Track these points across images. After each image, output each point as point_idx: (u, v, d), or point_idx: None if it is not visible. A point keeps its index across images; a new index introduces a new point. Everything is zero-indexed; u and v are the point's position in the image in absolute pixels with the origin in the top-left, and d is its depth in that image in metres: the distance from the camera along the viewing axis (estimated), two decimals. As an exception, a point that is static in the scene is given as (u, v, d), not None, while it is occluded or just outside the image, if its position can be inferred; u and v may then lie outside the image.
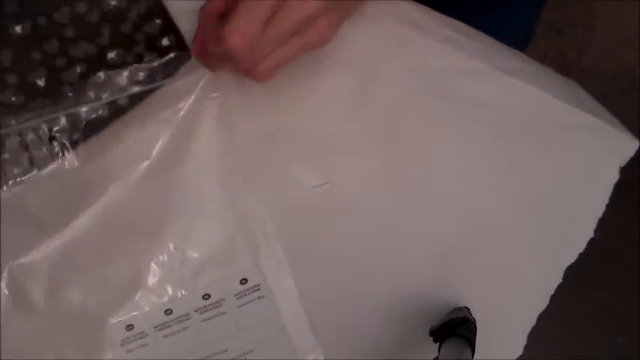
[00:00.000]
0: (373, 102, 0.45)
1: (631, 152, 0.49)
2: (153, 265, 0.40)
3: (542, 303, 0.51)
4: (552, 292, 0.50)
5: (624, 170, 0.49)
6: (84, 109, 0.39)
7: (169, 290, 0.40)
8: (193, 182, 0.41)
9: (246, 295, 0.41)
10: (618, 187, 0.49)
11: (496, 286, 0.50)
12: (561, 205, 0.49)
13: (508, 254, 0.49)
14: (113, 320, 0.39)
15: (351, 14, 0.42)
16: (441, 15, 0.48)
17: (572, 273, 0.50)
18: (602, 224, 0.50)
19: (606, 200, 0.50)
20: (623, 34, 1.37)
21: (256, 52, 0.35)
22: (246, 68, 0.36)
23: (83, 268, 0.39)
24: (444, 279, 0.48)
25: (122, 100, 0.40)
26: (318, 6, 0.35)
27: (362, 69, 0.45)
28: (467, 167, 0.47)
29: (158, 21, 0.41)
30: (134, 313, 0.40)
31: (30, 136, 0.39)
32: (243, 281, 0.41)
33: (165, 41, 0.41)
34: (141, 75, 0.40)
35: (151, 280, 0.40)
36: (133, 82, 0.40)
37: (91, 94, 0.40)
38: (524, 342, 0.51)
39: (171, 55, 0.41)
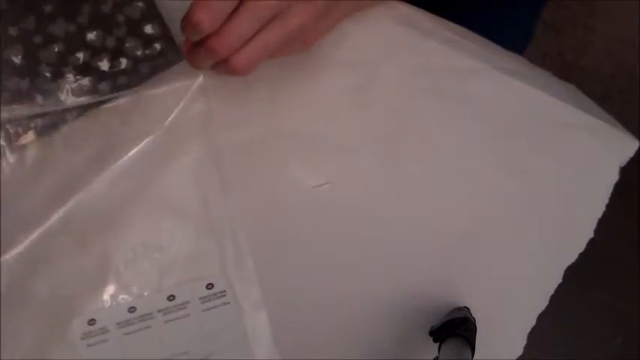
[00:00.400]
0: (373, 102, 0.45)
1: (631, 152, 0.49)
2: (121, 262, 0.40)
3: (542, 303, 0.51)
4: (552, 292, 0.50)
5: (624, 170, 0.49)
6: (63, 95, 0.38)
7: (134, 289, 0.40)
8: (171, 184, 0.41)
9: (211, 300, 0.41)
10: (618, 187, 0.49)
11: (496, 286, 0.50)
12: (561, 205, 0.49)
13: (508, 254, 0.50)
14: (76, 314, 0.39)
15: (346, 11, 0.39)
16: (441, 18, 0.48)
17: (572, 273, 0.50)
18: (602, 224, 0.50)
19: (606, 200, 0.50)
20: (622, 34, 1.37)
21: (230, 33, 0.32)
22: (222, 54, 0.34)
23: (54, 259, 0.39)
24: (444, 279, 0.48)
25: (103, 86, 0.39)
26: None
27: (362, 69, 0.45)
28: (467, 167, 0.47)
29: (140, 4, 0.39)
30: (97, 308, 0.39)
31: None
32: (210, 286, 0.41)
33: (148, 28, 0.40)
34: (123, 63, 0.39)
35: (118, 276, 0.40)
36: (115, 68, 0.39)
37: (70, 76, 0.38)
38: (524, 342, 0.51)
39: (158, 46, 0.40)
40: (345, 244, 0.46)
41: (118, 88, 0.39)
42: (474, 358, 0.44)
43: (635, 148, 0.50)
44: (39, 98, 0.38)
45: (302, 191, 0.44)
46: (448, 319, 0.46)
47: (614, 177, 0.49)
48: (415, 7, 0.47)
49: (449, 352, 0.43)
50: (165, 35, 0.40)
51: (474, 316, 0.47)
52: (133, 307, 0.40)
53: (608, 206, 0.50)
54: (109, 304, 0.39)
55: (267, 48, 0.34)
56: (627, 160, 0.50)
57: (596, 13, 1.38)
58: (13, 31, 0.38)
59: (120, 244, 0.40)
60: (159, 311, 0.40)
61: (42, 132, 0.39)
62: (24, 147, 0.38)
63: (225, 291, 0.42)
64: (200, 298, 0.41)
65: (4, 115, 0.37)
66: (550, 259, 0.50)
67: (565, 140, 0.48)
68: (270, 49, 0.35)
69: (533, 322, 0.51)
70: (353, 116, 0.45)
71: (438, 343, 0.45)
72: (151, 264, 0.40)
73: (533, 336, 0.51)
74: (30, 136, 0.39)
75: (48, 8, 0.38)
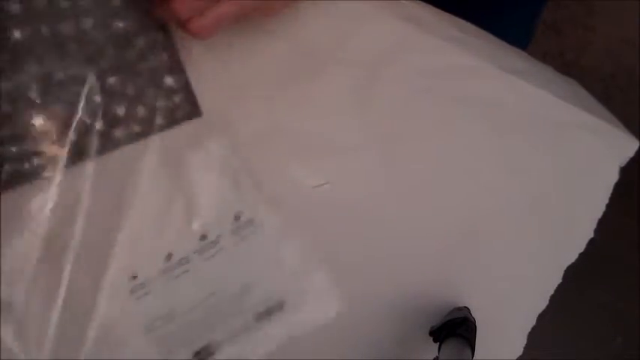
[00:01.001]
0: (374, 101, 0.45)
1: (631, 152, 0.49)
2: (150, 216, 0.41)
3: (542, 303, 0.51)
4: (552, 292, 0.50)
5: (624, 170, 0.49)
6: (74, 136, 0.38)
7: (166, 237, 0.41)
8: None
9: (241, 231, 0.42)
10: (618, 187, 0.49)
11: (496, 286, 0.50)
12: (561, 205, 0.49)
13: (508, 254, 0.49)
14: (115, 272, 0.40)
15: None
16: (443, 13, 0.48)
17: (572, 273, 0.50)
18: (602, 224, 0.50)
19: (606, 200, 0.50)
20: (622, 34, 1.37)
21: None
22: (182, 17, 0.36)
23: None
24: (444, 279, 0.48)
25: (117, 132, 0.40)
26: None
27: (362, 68, 0.45)
28: (467, 167, 0.47)
29: (164, 55, 0.40)
30: (136, 263, 0.40)
31: None
32: (237, 218, 0.42)
33: (169, 80, 0.40)
34: (141, 111, 0.40)
35: (149, 229, 0.41)
36: (132, 115, 0.39)
37: (85, 119, 0.39)
38: (524, 342, 0.51)
39: (177, 99, 0.40)
40: (346, 244, 0.46)
41: (130, 137, 0.40)
42: (474, 358, 0.44)
43: (635, 148, 0.50)
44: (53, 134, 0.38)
45: (302, 191, 0.44)
46: (448, 319, 0.46)
47: (614, 177, 0.49)
48: (418, 1, 0.47)
49: (449, 352, 0.43)
50: (185, 89, 0.40)
51: (473, 316, 0.47)
52: (170, 255, 0.41)
53: (608, 206, 0.50)
54: (146, 256, 0.40)
55: (223, 19, 0.36)
56: (627, 160, 0.50)
57: (596, 13, 1.37)
58: (34, 69, 0.38)
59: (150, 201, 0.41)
60: (194, 253, 0.41)
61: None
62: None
63: (252, 219, 0.43)
64: (230, 232, 0.42)
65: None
66: (550, 259, 0.50)
67: (565, 140, 0.48)
68: (226, 19, 0.37)
69: (533, 322, 0.51)
70: (353, 116, 0.45)
71: (438, 343, 0.45)
72: (179, 211, 0.41)
73: (533, 336, 0.51)
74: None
75: (72, 47, 0.38)
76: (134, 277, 0.41)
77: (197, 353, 0.43)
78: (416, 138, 0.46)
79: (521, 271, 0.50)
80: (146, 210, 0.40)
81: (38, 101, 0.38)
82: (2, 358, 0.39)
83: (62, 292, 0.39)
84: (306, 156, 0.45)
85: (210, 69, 0.41)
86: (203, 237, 0.42)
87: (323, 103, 0.45)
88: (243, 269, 0.43)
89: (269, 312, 0.44)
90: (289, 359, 0.45)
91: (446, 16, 0.48)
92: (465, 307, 0.48)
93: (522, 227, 0.49)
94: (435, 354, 0.44)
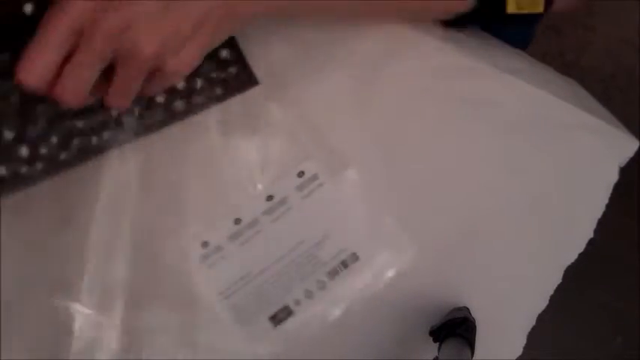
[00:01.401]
0: (373, 102, 0.45)
1: (631, 152, 0.49)
2: (215, 183, 0.41)
3: (542, 303, 0.51)
4: (552, 292, 0.50)
5: (624, 170, 0.49)
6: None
7: (234, 202, 0.42)
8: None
9: (306, 186, 0.43)
10: (618, 187, 0.49)
11: (496, 286, 0.50)
12: (561, 205, 0.49)
13: (508, 254, 0.49)
14: (186, 240, 0.41)
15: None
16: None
17: (572, 273, 0.50)
18: (602, 224, 0.50)
19: (606, 200, 0.50)
20: (622, 34, 1.37)
21: (61, 82, 0.31)
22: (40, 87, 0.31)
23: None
24: (444, 279, 0.48)
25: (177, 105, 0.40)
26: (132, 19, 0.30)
27: (362, 68, 0.45)
28: (467, 167, 0.47)
29: None
30: (206, 230, 0.41)
31: None
32: (301, 174, 0.43)
33: (224, 53, 0.41)
34: (198, 82, 0.40)
35: (215, 196, 0.42)
36: (190, 88, 0.40)
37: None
38: (524, 342, 0.51)
39: (232, 70, 0.41)
40: (345, 244, 0.46)
41: (191, 108, 0.41)
42: (474, 358, 0.44)
43: (635, 148, 0.50)
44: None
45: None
46: (448, 319, 0.46)
47: (614, 177, 0.49)
48: None
49: (449, 352, 0.43)
50: (240, 60, 0.41)
51: (473, 316, 0.47)
52: (238, 219, 0.42)
53: (608, 206, 0.50)
54: (215, 222, 0.41)
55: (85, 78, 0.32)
56: (627, 160, 0.50)
57: (596, 13, 1.37)
58: None
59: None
60: (263, 214, 0.42)
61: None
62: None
63: (317, 174, 0.43)
64: (296, 189, 0.42)
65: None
66: (550, 259, 0.50)
67: (565, 140, 0.48)
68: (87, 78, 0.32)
69: (533, 322, 0.51)
70: (353, 116, 0.45)
71: (438, 343, 0.45)
72: (243, 176, 0.42)
73: (533, 336, 0.51)
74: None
75: None
76: (205, 244, 0.41)
77: (274, 317, 0.43)
78: (416, 138, 0.46)
79: (521, 271, 0.50)
80: (211, 177, 0.41)
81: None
82: (2, 358, 0.39)
83: (134, 262, 0.39)
84: (306, 156, 0.45)
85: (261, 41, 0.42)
86: (269, 197, 0.42)
87: (322, 104, 0.45)
88: (313, 225, 0.43)
89: (344, 265, 0.44)
90: (291, 359, 0.45)
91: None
92: (465, 307, 0.48)
93: (522, 227, 0.49)
94: (435, 354, 0.44)
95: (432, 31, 0.46)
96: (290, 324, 0.44)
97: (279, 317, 0.43)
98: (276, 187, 0.42)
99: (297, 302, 0.44)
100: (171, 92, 0.40)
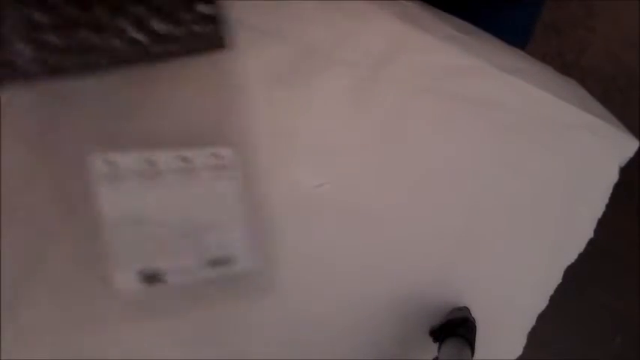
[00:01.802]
0: (373, 101, 0.45)
1: (631, 152, 0.49)
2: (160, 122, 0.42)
3: (542, 303, 0.51)
4: (552, 292, 0.51)
5: (624, 170, 0.49)
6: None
7: (154, 143, 0.42)
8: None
9: (220, 170, 0.43)
10: (618, 187, 0.49)
11: (496, 286, 0.50)
12: (561, 205, 0.49)
13: (508, 254, 0.50)
14: (98, 155, 0.41)
15: None
16: (443, 13, 0.48)
17: (572, 273, 0.50)
18: (602, 224, 0.50)
19: (606, 200, 0.50)
20: (623, 34, 1.37)
21: None
22: None
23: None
24: (445, 279, 0.48)
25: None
26: None
27: (362, 68, 0.45)
28: (466, 167, 0.47)
29: None
30: (120, 153, 0.41)
31: None
32: (217, 155, 0.43)
33: (202, 7, 0.41)
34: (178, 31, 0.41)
35: (154, 129, 0.42)
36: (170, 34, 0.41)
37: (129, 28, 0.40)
38: (524, 342, 0.51)
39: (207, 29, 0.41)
40: (345, 244, 0.46)
41: (165, 54, 0.41)
42: (474, 358, 0.44)
43: (635, 148, 0.50)
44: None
45: (302, 191, 0.44)
46: (448, 319, 0.46)
47: (614, 177, 0.49)
48: (417, 2, 0.47)
49: (449, 352, 0.43)
50: (218, 20, 0.42)
51: (473, 316, 0.47)
52: (152, 161, 0.42)
53: (608, 206, 0.50)
54: (131, 153, 0.41)
55: None
56: (627, 160, 0.50)
57: (596, 14, 1.37)
58: None
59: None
60: (174, 170, 0.42)
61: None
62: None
63: (235, 165, 0.43)
64: (211, 167, 0.43)
65: None
66: (550, 259, 0.50)
67: (565, 140, 0.48)
68: None
69: (533, 322, 0.51)
70: (353, 116, 0.45)
71: (438, 343, 0.45)
72: (178, 125, 0.42)
73: (533, 336, 0.51)
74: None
75: None
76: (111, 165, 0.41)
77: (143, 272, 0.42)
78: (415, 137, 0.46)
79: (521, 271, 0.50)
80: (158, 117, 0.42)
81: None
82: (2, 358, 0.39)
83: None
84: (307, 156, 0.45)
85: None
86: (185, 159, 0.42)
87: (323, 104, 0.45)
88: (210, 208, 0.43)
89: (221, 262, 0.44)
90: (289, 359, 0.45)
91: (445, 16, 0.48)
92: (465, 307, 0.48)
93: (522, 227, 0.49)
94: (435, 354, 0.44)
95: (432, 31, 0.46)
96: (156, 288, 0.43)
97: (147, 274, 0.43)
98: (196, 155, 0.43)
99: (171, 273, 0.43)
100: (151, 34, 0.41)
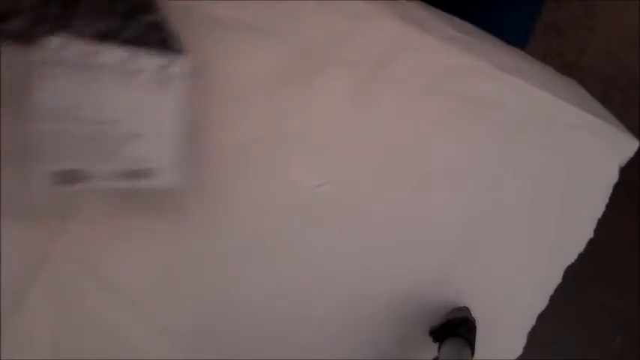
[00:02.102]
0: (373, 101, 0.45)
1: (631, 152, 0.49)
2: None
3: (542, 303, 0.51)
4: (552, 292, 0.51)
5: (624, 170, 0.49)
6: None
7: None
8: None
9: (164, 78, 0.40)
10: (618, 187, 0.49)
11: (496, 286, 0.50)
12: (561, 205, 0.49)
13: (508, 254, 0.50)
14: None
15: None
16: (443, 13, 0.48)
17: (572, 273, 0.50)
18: (602, 224, 0.50)
19: (606, 200, 0.50)
20: (623, 34, 1.37)
21: None
22: None
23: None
24: (445, 279, 0.48)
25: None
26: None
27: (362, 68, 0.45)
28: (466, 167, 0.47)
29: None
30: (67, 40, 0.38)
31: None
32: (164, 67, 0.40)
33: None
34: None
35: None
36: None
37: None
38: (524, 342, 0.51)
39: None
40: (345, 244, 0.46)
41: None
42: (474, 358, 0.44)
43: (635, 148, 0.50)
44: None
45: (302, 191, 0.44)
46: (448, 319, 0.46)
47: (614, 177, 0.49)
48: (418, 2, 0.47)
49: (449, 352, 0.43)
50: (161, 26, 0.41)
51: (473, 316, 0.47)
52: (97, 52, 0.39)
53: (608, 206, 0.50)
54: (73, 37, 0.38)
55: None
56: (627, 160, 0.50)
57: (596, 13, 1.37)
58: None
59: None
60: (116, 65, 0.39)
61: None
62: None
63: (183, 79, 0.40)
64: (157, 74, 0.40)
65: None
66: (550, 259, 0.50)
67: (566, 140, 0.48)
68: None
69: (533, 322, 0.51)
70: (353, 116, 0.45)
71: (438, 343, 0.45)
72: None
73: (533, 336, 0.51)
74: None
75: None
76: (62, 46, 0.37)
77: (60, 173, 0.39)
78: (416, 138, 0.46)
79: (522, 271, 0.50)
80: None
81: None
82: (2, 358, 0.39)
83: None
84: (307, 156, 0.45)
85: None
86: (131, 56, 0.39)
87: (322, 104, 0.45)
88: (143, 116, 0.40)
89: (140, 174, 0.41)
90: (289, 359, 0.45)
91: (445, 16, 0.48)
92: (465, 307, 0.48)
93: (522, 227, 0.49)
94: (435, 354, 0.44)
95: (432, 31, 0.46)
96: (68, 189, 0.40)
97: (62, 176, 0.40)
98: (142, 55, 0.39)
99: (89, 178, 0.40)
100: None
